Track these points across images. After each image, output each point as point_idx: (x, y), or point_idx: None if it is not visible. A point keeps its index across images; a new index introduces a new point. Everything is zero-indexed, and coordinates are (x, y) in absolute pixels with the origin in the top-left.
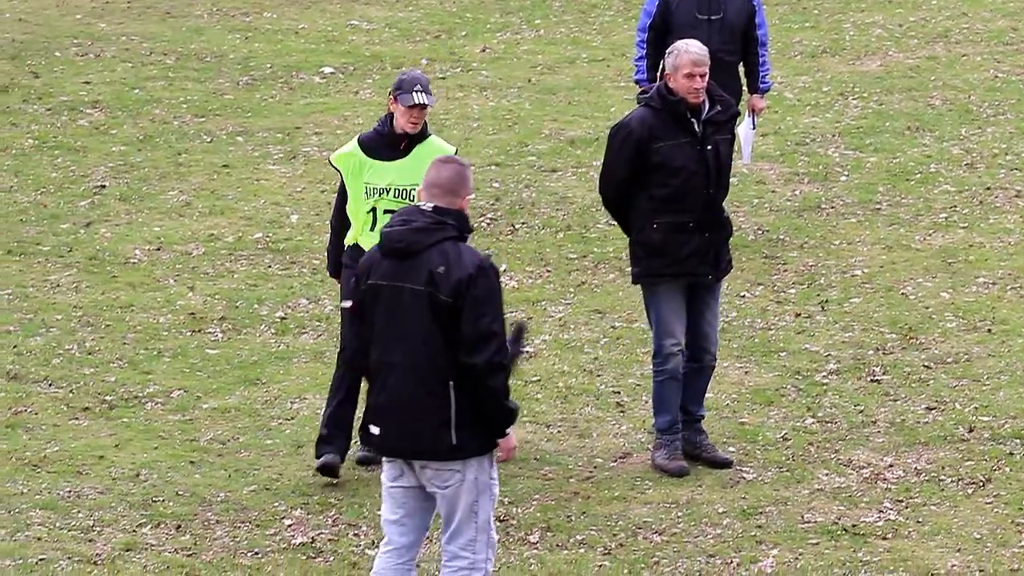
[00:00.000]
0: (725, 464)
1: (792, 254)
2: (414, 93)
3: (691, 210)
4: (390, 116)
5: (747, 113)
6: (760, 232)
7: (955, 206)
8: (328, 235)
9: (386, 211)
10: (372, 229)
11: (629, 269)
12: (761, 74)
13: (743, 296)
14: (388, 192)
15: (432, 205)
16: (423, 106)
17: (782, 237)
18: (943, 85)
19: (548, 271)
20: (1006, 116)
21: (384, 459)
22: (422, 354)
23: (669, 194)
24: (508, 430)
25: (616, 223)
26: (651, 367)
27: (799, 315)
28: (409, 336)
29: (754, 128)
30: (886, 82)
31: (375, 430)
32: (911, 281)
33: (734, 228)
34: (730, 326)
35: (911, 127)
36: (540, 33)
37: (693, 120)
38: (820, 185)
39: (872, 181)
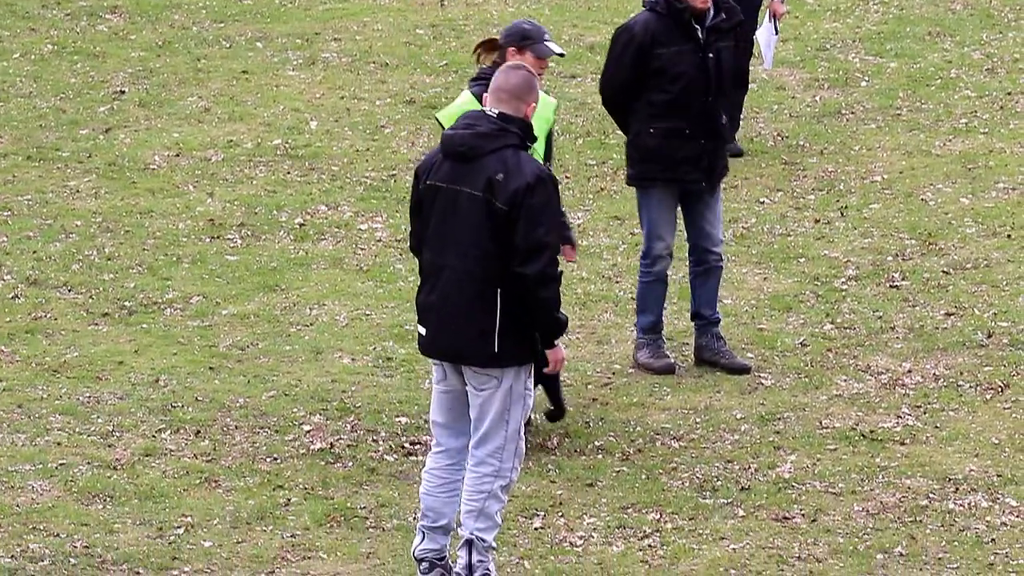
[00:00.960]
0: (743, 370)
1: (812, 160)
2: (548, 43)
3: (689, 117)
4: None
5: (768, 18)
6: (780, 138)
7: (975, 111)
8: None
9: None
10: None
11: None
12: None
13: (762, 202)
14: None
15: (498, 111)
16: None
17: (802, 143)
18: None
19: (567, 177)
20: None
21: (431, 360)
22: (474, 259)
23: (668, 100)
24: (557, 341)
25: (616, 125)
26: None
27: (818, 221)
28: (462, 240)
29: (776, 34)
30: None
31: (422, 330)
32: (931, 187)
33: (754, 135)
34: (749, 232)
35: (932, 32)
36: None
37: (696, 27)
38: (840, 91)
39: (892, 87)
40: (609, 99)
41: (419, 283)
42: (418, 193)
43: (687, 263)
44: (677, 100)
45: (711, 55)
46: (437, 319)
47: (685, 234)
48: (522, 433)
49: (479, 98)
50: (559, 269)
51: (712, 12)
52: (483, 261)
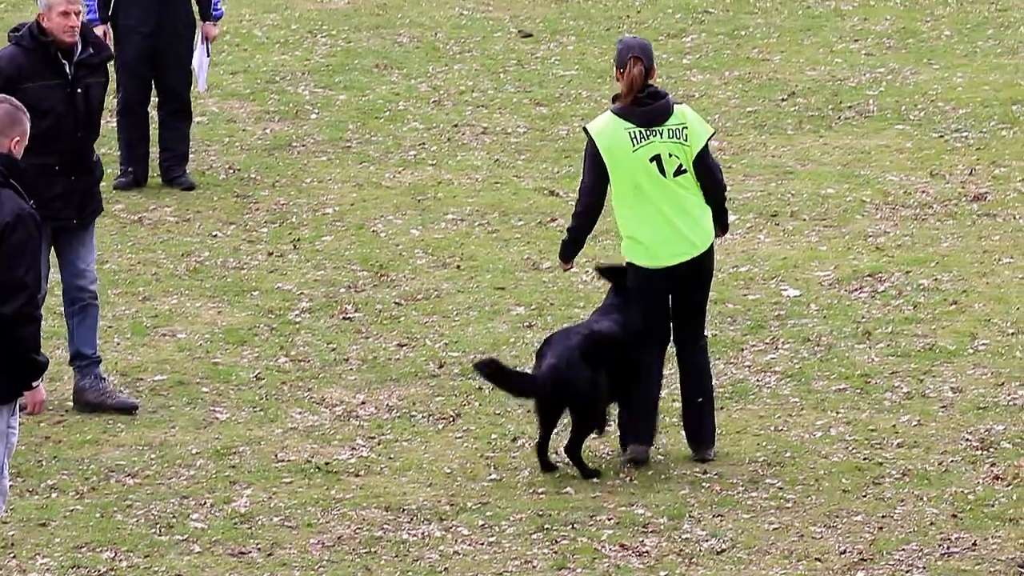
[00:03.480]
0: (131, 408)
1: (264, 193)
2: None
3: (58, 152)
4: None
5: (200, 41)
6: (231, 171)
7: (424, 143)
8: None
9: None
10: None
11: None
12: (214, 2)
13: (215, 236)
14: None
15: None
16: None
17: (253, 176)
18: (410, 23)
19: None
20: (472, 53)
21: None
22: None
23: (36, 136)
24: (36, 383)
25: None
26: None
27: (271, 254)
28: None
29: (208, 56)
30: (354, 20)
31: None
32: (381, 219)
33: (207, 168)
34: (203, 266)
35: (379, 64)
36: None
37: (64, 62)
38: (291, 123)
39: (342, 119)
40: None
41: None
42: None
43: (63, 304)
44: (45, 136)
45: (80, 90)
46: None
47: (59, 275)
48: (6, 471)
49: None
50: (39, 311)
51: (80, 47)
52: None
